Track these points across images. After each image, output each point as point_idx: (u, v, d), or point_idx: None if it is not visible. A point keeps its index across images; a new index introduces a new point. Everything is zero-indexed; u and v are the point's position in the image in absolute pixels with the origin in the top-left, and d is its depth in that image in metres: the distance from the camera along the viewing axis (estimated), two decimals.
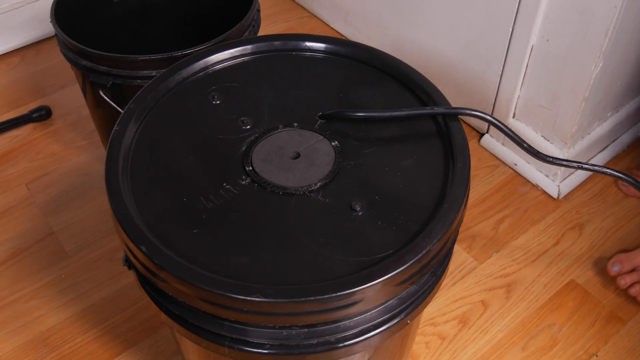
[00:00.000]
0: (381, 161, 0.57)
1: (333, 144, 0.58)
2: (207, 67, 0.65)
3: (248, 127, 0.60)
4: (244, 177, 0.56)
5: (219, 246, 0.51)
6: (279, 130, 0.59)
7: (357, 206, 0.53)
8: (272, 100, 0.63)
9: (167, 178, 0.56)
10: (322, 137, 0.59)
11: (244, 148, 0.58)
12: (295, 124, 0.60)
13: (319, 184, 0.55)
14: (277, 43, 0.67)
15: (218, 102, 0.62)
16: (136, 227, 0.50)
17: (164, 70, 0.64)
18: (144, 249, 0.49)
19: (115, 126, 0.58)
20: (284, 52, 0.67)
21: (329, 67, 0.67)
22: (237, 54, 0.67)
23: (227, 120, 0.61)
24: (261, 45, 0.67)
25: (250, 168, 0.56)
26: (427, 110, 0.60)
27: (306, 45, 0.67)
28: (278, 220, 0.53)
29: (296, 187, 0.55)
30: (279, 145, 0.58)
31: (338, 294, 0.47)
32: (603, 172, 0.46)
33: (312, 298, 0.46)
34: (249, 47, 0.67)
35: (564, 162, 0.64)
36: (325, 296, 0.47)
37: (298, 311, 0.48)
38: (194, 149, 0.58)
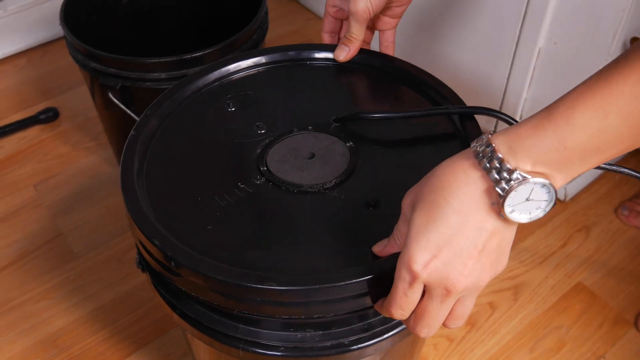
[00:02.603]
0: (397, 160, 0.58)
1: (348, 144, 0.58)
2: (222, 78, 0.66)
3: (263, 131, 0.60)
4: (258, 176, 0.56)
5: (232, 241, 0.51)
6: (294, 133, 0.60)
7: (372, 203, 0.53)
8: (287, 106, 0.63)
9: (182, 179, 0.56)
10: (337, 138, 0.59)
11: (259, 150, 0.58)
12: (310, 127, 0.60)
13: (334, 182, 0.55)
14: (291, 53, 0.68)
15: (233, 109, 0.63)
16: (150, 223, 0.51)
17: (179, 81, 0.64)
18: (157, 242, 0.49)
19: (132, 131, 0.58)
20: (297, 62, 0.68)
21: (342, 75, 0.68)
22: (251, 64, 0.67)
23: (242, 126, 0.61)
24: (275, 56, 0.68)
25: (265, 168, 0.56)
26: (442, 110, 0.60)
27: (320, 55, 0.68)
28: (293, 217, 0.53)
29: (311, 184, 0.55)
30: (294, 147, 0.58)
31: (352, 281, 0.47)
32: (613, 171, 0.46)
33: (326, 285, 0.46)
34: (263, 58, 0.68)
35: None
36: (340, 284, 0.46)
37: (311, 300, 0.47)
38: (209, 152, 0.59)
